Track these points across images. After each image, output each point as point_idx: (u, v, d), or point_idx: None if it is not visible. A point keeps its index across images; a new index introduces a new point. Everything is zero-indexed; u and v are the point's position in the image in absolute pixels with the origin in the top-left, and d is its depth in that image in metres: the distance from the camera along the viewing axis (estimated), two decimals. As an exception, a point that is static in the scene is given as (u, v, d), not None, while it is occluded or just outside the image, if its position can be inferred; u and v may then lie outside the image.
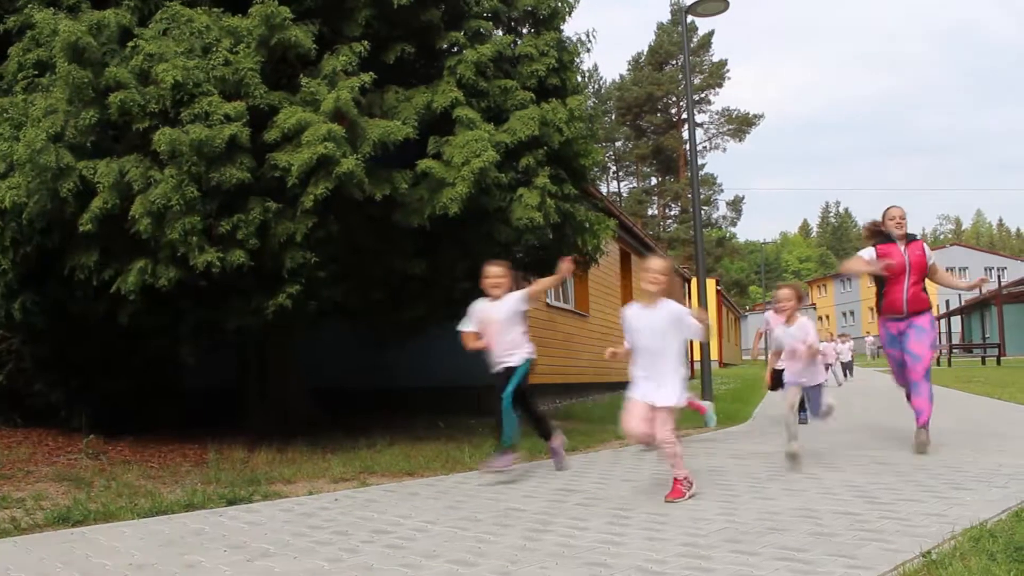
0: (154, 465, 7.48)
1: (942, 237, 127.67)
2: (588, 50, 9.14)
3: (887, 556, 3.71)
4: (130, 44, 7.14)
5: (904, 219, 7.66)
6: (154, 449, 8.39)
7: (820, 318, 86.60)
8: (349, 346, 11.60)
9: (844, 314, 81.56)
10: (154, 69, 6.94)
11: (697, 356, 20.00)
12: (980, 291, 44.00)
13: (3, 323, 8.91)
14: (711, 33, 73.91)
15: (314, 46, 7.30)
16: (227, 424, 9.72)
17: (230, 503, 5.55)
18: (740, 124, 75.28)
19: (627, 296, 21.49)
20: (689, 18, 16.76)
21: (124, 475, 6.75)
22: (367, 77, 7.27)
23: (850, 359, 26.01)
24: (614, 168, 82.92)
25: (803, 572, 3.50)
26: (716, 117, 75.99)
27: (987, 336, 46.85)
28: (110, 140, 7.36)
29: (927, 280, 7.72)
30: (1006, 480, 5.79)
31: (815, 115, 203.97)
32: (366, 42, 7.49)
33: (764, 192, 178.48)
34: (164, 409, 10.72)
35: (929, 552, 3.68)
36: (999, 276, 48.98)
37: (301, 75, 7.35)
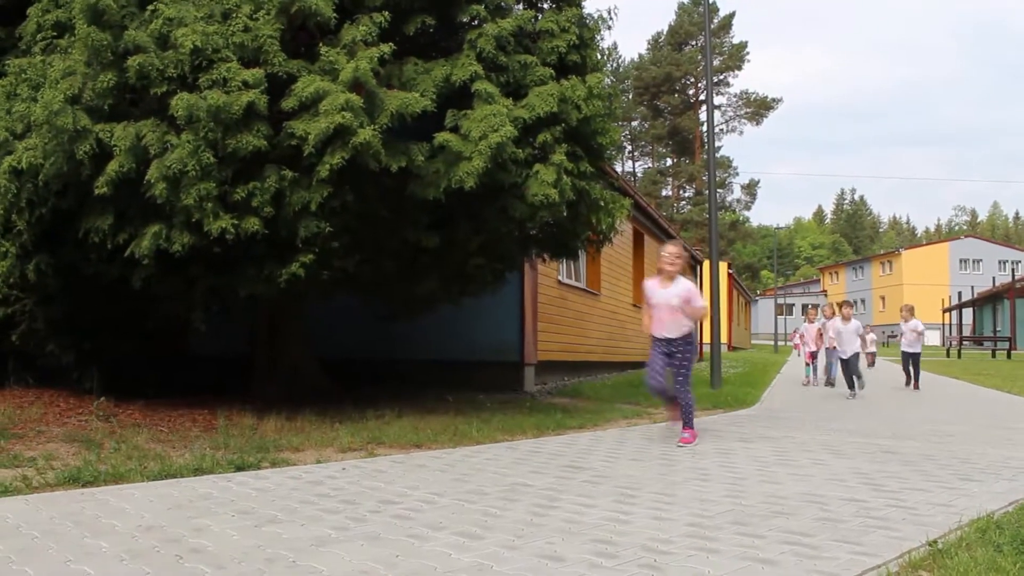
0: (163, 429, 7.53)
1: (957, 228, 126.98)
2: (609, 27, 9.06)
3: (893, 544, 3.71)
4: (150, 8, 7.13)
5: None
6: (164, 413, 8.45)
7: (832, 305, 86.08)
8: (359, 317, 11.63)
9: (855, 302, 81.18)
10: (173, 33, 6.93)
11: (707, 339, 19.97)
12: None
13: (18, 284, 8.97)
14: (732, 14, 73.58)
15: (334, 15, 7.26)
16: (236, 391, 9.78)
17: (238, 469, 5.59)
18: (758, 107, 74.89)
19: (639, 276, 21.47)
20: (711, -2, 16.61)
21: (134, 438, 6.80)
22: (386, 48, 7.23)
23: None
24: (629, 148, 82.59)
25: (809, 556, 3.50)
26: (734, 100, 75.72)
27: (998, 329, 46.63)
28: (127, 104, 7.36)
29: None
30: (1014, 473, 5.78)
31: (833, 101, 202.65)
32: (386, 13, 7.44)
33: (779, 177, 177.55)
34: (175, 374, 10.79)
35: (935, 542, 3.67)
36: (1013, 269, 48.72)
37: (320, 44, 7.32)
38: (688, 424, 7.21)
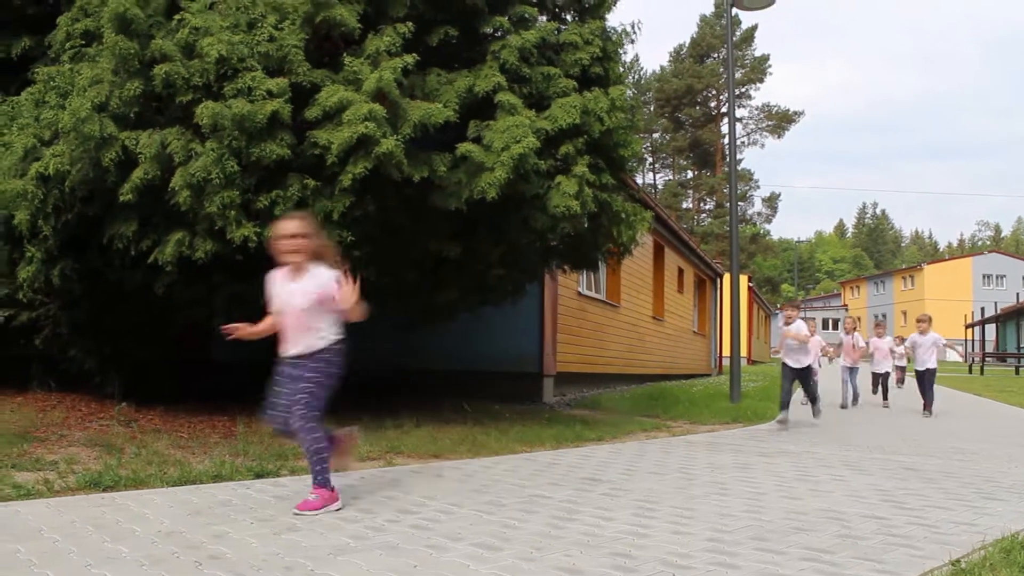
0: (184, 435, 7.57)
1: (980, 243, 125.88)
2: (632, 41, 9.07)
3: (915, 563, 3.67)
4: (176, 17, 7.20)
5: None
6: (184, 419, 8.49)
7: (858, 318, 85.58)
8: (379, 327, 11.61)
9: (876, 316, 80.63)
10: (199, 43, 6.99)
11: (727, 353, 19.91)
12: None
13: (42, 288, 9.04)
14: (754, 27, 73.32)
15: (358, 25, 7.30)
16: (256, 398, 9.79)
17: (258, 476, 5.61)
18: (779, 120, 74.61)
19: (659, 288, 21.42)
20: (733, 11, 16.59)
21: (154, 443, 6.84)
22: (410, 59, 7.26)
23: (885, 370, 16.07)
24: (650, 160, 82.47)
25: (829, 574, 3.47)
26: (755, 112, 75.43)
27: (1022, 346, 46.11)
28: (153, 112, 7.43)
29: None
30: (1038, 492, 5.71)
31: (855, 114, 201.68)
32: (410, 23, 7.48)
33: (800, 190, 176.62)
34: (195, 380, 10.84)
35: (958, 561, 3.63)
36: (1038, 285, 48.17)
37: (344, 54, 7.36)
38: (320, 481, 4.65)
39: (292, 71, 7.14)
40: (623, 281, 17.53)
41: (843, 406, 14.25)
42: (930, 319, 13.59)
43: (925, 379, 13.27)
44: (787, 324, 11.23)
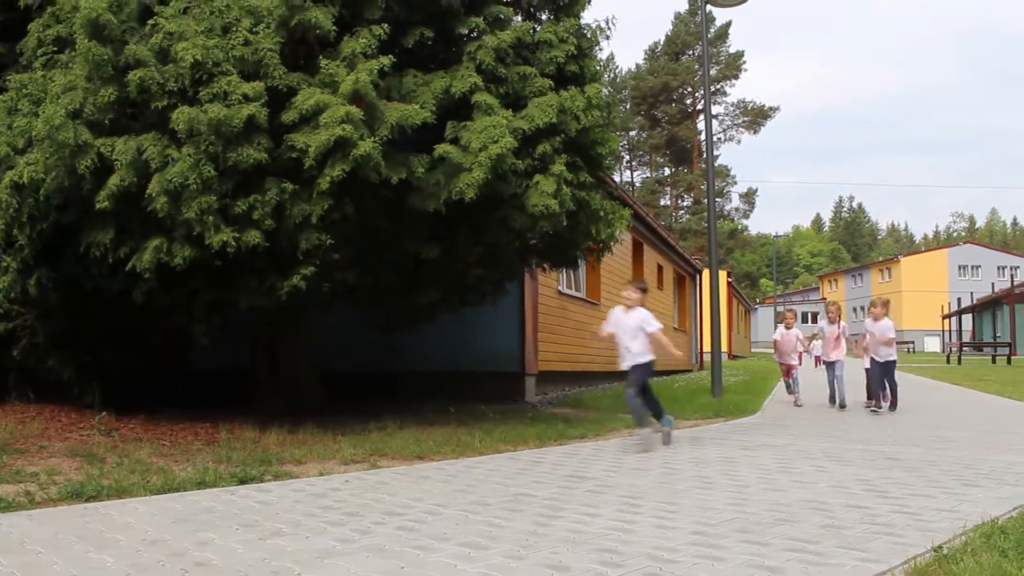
0: (166, 443, 7.53)
1: (955, 235, 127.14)
2: (607, 38, 9.08)
3: (898, 550, 3.71)
4: (150, 22, 7.17)
5: None
6: (166, 427, 8.44)
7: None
8: (360, 329, 11.62)
9: (854, 309, 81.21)
10: (174, 48, 6.96)
11: (708, 348, 20.01)
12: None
13: (18, 299, 8.97)
14: (728, 24, 73.65)
15: (334, 28, 7.29)
16: (238, 404, 9.77)
17: (241, 482, 5.59)
18: (755, 116, 75.01)
19: (638, 286, 21.45)
20: (708, 8, 16.70)
21: (136, 452, 6.79)
22: (386, 60, 7.26)
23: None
24: (627, 157, 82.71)
25: (814, 564, 3.50)
26: (731, 109, 75.77)
27: (998, 335, 46.62)
28: (128, 118, 7.39)
29: None
30: (1017, 478, 5.78)
31: (831, 109, 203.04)
32: (385, 25, 7.47)
33: (777, 185, 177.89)
34: (176, 388, 10.78)
35: (940, 547, 3.67)
36: (1012, 275, 48.77)
37: (320, 57, 7.35)
38: None
39: (268, 75, 7.12)
40: (603, 279, 17.56)
41: (842, 405, 12.35)
42: (886, 304, 12.04)
43: (888, 370, 11.68)
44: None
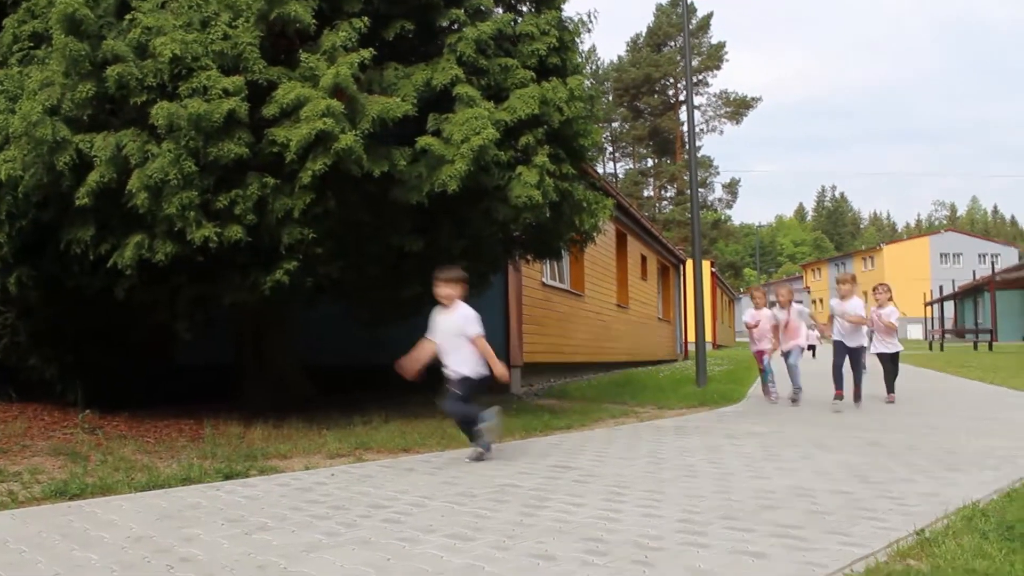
0: (150, 440, 7.49)
1: (937, 223, 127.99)
2: (589, 30, 9.09)
3: (881, 534, 3.74)
4: (128, 17, 7.11)
5: None
6: (150, 424, 8.40)
7: (814, 301, 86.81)
8: (345, 323, 11.60)
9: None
10: (152, 42, 6.91)
11: (692, 338, 20.07)
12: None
13: (-1, 297, 8.90)
14: (710, 15, 73.83)
15: (314, 21, 7.25)
16: (222, 400, 9.74)
17: (227, 478, 5.57)
18: (737, 107, 75.20)
19: (623, 276, 21.53)
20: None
21: (120, 449, 6.76)
22: (366, 53, 7.23)
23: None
24: (611, 149, 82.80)
25: (798, 548, 3.53)
26: (714, 99, 75.98)
27: (980, 322, 46.98)
28: (107, 114, 7.33)
29: None
30: (998, 462, 5.84)
31: (813, 100, 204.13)
32: (366, 18, 7.44)
33: (760, 175, 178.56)
34: (160, 384, 10.73)
35: (923, 530, 3.71)
36: (992, 262, 49.15)
37: (300, 50, 7.31)
38: None
39: (248, 69, 7.08)
40: (587, 270, 17.60)
41: (793, 399, 11.10)
42: (853, 279, 10.44)
43: (856, 357, 10.42)
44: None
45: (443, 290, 6.41)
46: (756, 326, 11.66)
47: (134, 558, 3.54)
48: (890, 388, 11.09)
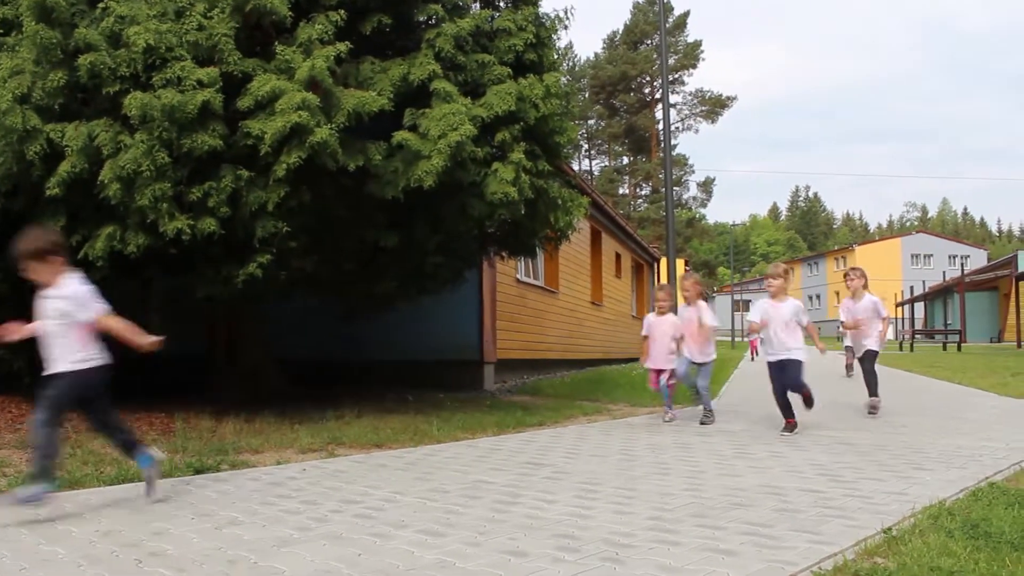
0: (120, 433, 7.41)
1: (908, 224, 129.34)
2: (566, 27, 9.11)
3: (850, 532, 3.78)
4: (100, 5, 7.03)
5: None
6: (120, 417, 8.30)
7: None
8: (318, 318, 11.56)
9: (810, 297, 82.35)
10: (125, 32, 6.84)
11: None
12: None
13: (-34, 287, 8.76)
14: (687, 14, 74.09)
15: (290, 13, 7.21)
16: (194, 394, 9.66)
17: (197, 472, 5.54)
18: (713, 106, 75.53)
19: (597, 274, 21.57)
20: (666, -3, 16.71)
21: (89, 443, 6.68)
22: (343, 47, 7.19)
23: None
24: (586, 146, 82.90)
25: (768, 547, 3.56)
26: (689, 98, 76.20)
27: (949, 322, 47.56)
28: (79, 103, 7.24)
29: None
30: (964, 461, 5.91)
31: (787, 99, 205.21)
32: (342, 11, 7.40)
33: (735, 174, 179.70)
34: (131, 377, 10.61)
35: (890, 529, 3.75)
36: (962, 264, 49.74)
37: (276, 43, 7.26)
38: None
39: (223, 60, 7.03)
40: (561, 267, 17.63)
41: (703, 422, 8.63)
42: (786, 271, 8.16)
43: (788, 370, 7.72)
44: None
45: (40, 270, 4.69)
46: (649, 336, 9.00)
47: (102, 552, 3.51)
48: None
